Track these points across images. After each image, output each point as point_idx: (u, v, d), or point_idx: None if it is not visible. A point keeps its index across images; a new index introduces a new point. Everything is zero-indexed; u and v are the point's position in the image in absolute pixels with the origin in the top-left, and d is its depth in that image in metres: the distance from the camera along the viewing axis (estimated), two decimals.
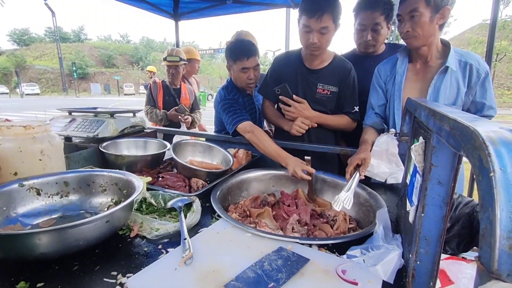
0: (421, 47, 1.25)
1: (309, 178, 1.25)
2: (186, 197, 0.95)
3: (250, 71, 1.63)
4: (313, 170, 1.26)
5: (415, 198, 0.67)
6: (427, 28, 1.17)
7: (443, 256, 0.98)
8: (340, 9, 1.35)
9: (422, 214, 0.57)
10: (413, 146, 0.64)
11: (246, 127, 1.47)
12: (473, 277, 0.69)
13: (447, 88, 1.23)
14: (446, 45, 1.27)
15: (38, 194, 0.85)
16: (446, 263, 0.98)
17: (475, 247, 1.08)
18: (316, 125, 1.52)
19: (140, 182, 0.86)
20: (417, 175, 0.66)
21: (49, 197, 0.87)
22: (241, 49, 1.60)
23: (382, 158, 1.30)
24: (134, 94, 34.93)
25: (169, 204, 0.92)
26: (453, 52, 1.24)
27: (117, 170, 0.96)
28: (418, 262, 0.60)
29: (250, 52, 1.59)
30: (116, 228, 0.79)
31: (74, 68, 32.00)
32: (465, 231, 1.10)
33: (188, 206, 0.95)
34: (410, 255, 0.63)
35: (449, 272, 0.96)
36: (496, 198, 0.24)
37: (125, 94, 33.21)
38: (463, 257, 1.10)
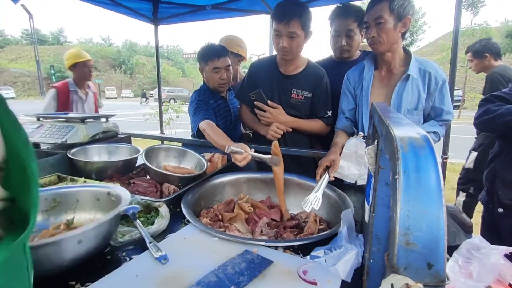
0: (385, 53, 1.32)
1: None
2: (137, 206, 0.92)
3: (222, 71, 1.68)
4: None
5: (370, 198, 0.70)
6: (391, 35, 1.25)
7: None
8: (310, 17, 1.40)
9: (373, 214, 0.60)
10: (366, 149, 0.68)
11: (202, 125, 1.49)
12: None
13: (409, 94, 1.31)
14: (407, 54, 1.35)
15: None
16: None
17: None
18: (291, 129, 1.55)
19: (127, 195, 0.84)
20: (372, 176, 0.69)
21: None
22: (211, 50, 1.68)
23: (352, 160, 1.34)
24: (116, 98, 34.08)
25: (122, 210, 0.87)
26: (414, 60, 1.32)
27: (103, 184, 0.94)
28: (371, 260, 0.62)
29: (220, 52, 1.66)
30: (96, 248, 0.71)
31: (52, 72, 30.74)
32: None
33: (157, 211, 0.95)
34: (365, 254, 0.66)
35: None
36: (398, 198, 0.27)
37: (107, 98, 32.26)
38: None
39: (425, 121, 1.39)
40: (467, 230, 1.29)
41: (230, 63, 1.73)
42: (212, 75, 1.68)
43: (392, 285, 0.24)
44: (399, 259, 0.26)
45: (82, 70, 2.67)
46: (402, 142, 0.32)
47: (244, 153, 1.13)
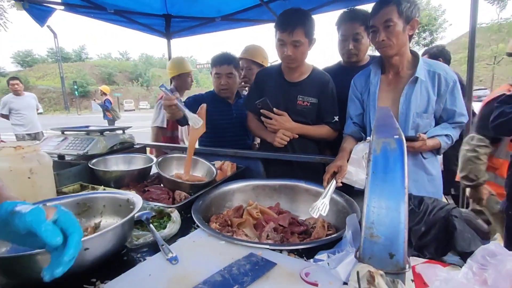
0: (393, 57, 1.32)
1: None
2: (150, 211, 0.98)
3: (222, 77, 1.82)
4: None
5: None
6: (401, 38, 1.25)
7: (420, 260, 1.02)
8: (313, 24, 1.45)
9: None
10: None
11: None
12: (445, 280, 0.73)
13: (417, 97, 1.30)
14: (415, 56, 1.35)
15: None
16: (422, 267, 1.01)
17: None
18: (297, 136, 1.58)
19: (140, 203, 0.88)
20: None
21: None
22: (218, 57, 1.85)
23: (360, 165, 1.34)
24: (134, 110, 35.34)
25: (136, 215, 0.92)
26: (422, 62, 1.31)
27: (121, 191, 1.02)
28: None
29: (223, 60, 1.82)
30: (103, 255, 0.73)
31: (75, 87, 32.57)
32: (442, 235, 1.13)
33: (169, 217, 1.00)
34: None
35: (424, 276, 0.99)
36: (366, 196, 0.30)
37: (125, 110, 33.50)
38: (440, 261, 1.13)
39: (437, 123, 1.37)
40: (484, 236, 1.25)
41: (233, 72, 1.84)
42: (214, 79, 1.85)
43: (357, 272, 0.27)
44: (364, 250, 0.29)
45: (185, 80, 2.75)
46: (377, 145, 0.35)
47: (172, 96, 1.31)
